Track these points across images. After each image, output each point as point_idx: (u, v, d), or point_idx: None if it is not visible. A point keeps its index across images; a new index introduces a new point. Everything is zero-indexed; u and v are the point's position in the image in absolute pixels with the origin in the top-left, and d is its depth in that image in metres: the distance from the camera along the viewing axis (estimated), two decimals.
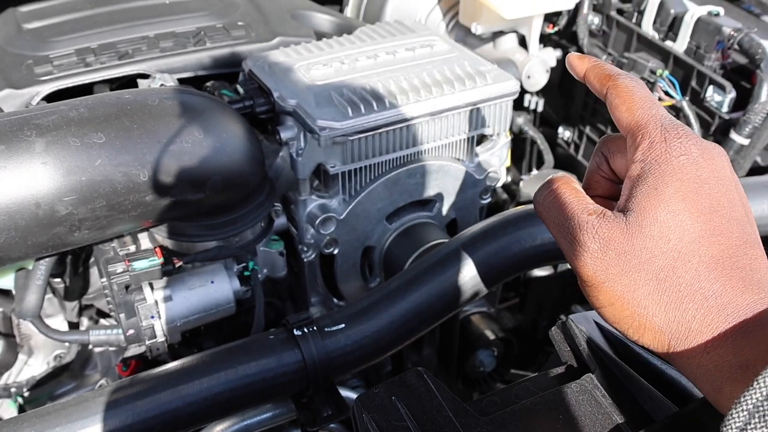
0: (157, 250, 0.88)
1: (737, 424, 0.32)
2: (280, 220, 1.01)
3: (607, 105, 0.47)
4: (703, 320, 0.40)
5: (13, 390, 1.13)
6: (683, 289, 0.40)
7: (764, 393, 0.32)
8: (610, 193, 0.51)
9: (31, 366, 1.16)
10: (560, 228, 0.45)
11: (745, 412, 0.32)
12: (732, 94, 1.12)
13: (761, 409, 0.31)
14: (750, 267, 0.41)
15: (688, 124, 1.17)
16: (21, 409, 1.13)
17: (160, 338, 0.86)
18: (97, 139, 0.74)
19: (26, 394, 1.14)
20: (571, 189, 0.46)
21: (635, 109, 0.45)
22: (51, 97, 0.98)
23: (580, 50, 1.43)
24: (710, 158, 0.43)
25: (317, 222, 0.95)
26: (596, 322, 0.53)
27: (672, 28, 1.24)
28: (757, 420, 0.31)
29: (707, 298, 0.40)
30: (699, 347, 0.40)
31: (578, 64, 0.50)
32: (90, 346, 1.09)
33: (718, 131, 1.17)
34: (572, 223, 0.44)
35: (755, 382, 0.32)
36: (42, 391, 1.15)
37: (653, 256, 0.41)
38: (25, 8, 1.20)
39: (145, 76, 1.03)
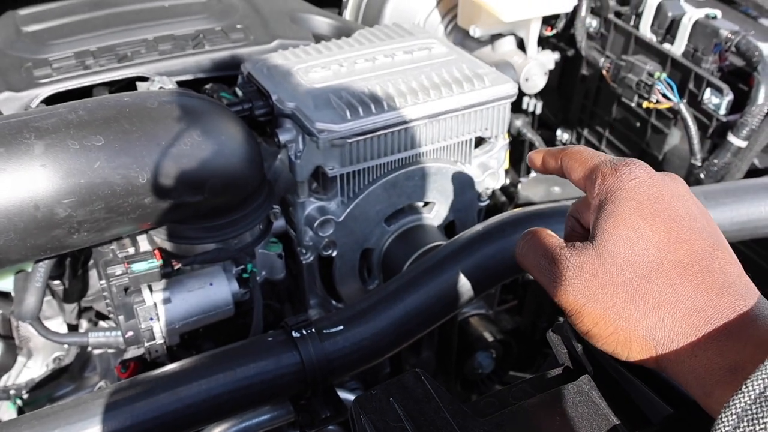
0: (156, 252, 0.88)
1: (726, 428, 0.32)
2: (279, 223, 1.01)
3: (565, 172, 0.52)
4: (683, 323, 0.41)
5: (12, 392, 1.13)
6: (657, 295, 0.42)
7: (752, 396, 0.32)
8: None
9: (30, 368, 1.16)
10: (539, 267, 0.48)
11: (734, 416, 0.32)
12: (729, 97, 1.13)
13: (749, 412, 0.32)
14: (721, 270, 0.42)
15: (686, 126, 1.18)
16: (20, 411, 1.13)
17: (159, 340, 0.86)
18: (96, 142, 0.74)
19: (25, 396, 1.14)
20: (544, 234, 0.50)
21: (586, 161, 0.49)
22: (50, 100, 0.98)
23: (578, 53, 1.43)
24: (662, 180, 0.46)
25: (316, 224, 0.95)
26: None
27: (670, 31, 1.24)
28: (746, 424, 0.32)
29: (682, 301, 0.42)
30: (685, 350, 0.41)
31: (536, 156, 0.55)
32: (89, 348, 1.09)
33: (715, 134, 1.17)
34: (548, 259, 0.47)
35: (743, 386, 0.33)
36: (41, 393, 1.14)
37: (623, 270, 0.43)
38: (24, 11, 1.20)
39: (144, 79, 1.04)
